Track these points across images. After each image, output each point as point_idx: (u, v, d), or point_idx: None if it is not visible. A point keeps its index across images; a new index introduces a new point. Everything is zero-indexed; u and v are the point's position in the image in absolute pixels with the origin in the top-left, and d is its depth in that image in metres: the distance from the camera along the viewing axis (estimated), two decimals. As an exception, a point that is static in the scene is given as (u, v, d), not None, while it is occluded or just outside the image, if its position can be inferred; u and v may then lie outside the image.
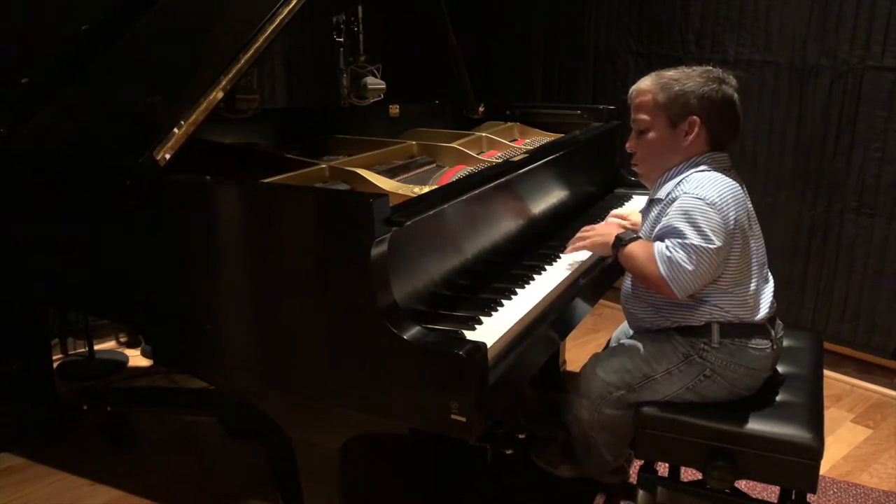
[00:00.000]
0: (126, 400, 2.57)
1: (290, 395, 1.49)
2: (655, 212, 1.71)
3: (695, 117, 1.67)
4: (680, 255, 1.57)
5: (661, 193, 1.71)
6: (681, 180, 1.67)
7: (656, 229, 1.65)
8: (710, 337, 1.67)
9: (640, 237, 1.73)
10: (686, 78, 1.68)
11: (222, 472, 2.30)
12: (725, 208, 1.59)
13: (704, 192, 1.60)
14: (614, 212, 2.20)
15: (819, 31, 2.83)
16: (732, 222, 1.60)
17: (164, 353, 1.66)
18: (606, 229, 1.82)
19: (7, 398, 2.51)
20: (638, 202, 2.51)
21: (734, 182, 1.67)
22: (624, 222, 1.97)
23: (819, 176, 2.93)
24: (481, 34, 3.93)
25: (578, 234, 1.86)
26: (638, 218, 1.93)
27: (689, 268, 1.57)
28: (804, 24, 2.87)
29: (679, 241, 1.58)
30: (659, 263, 1.59)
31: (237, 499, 2.17)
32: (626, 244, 1.70)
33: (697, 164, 1.69)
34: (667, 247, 1.60)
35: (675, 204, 1.62)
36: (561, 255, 1.90)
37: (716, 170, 1.68)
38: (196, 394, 2.54)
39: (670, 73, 1.71)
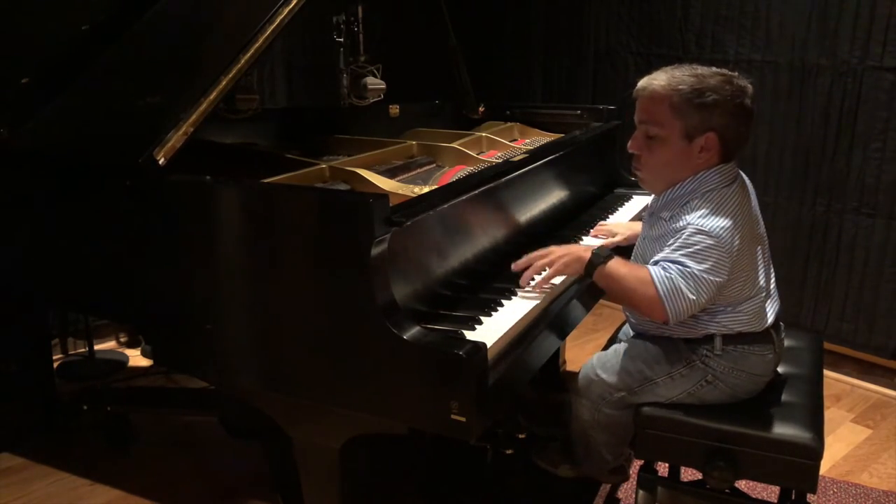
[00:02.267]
0: (126, 400, 2.57)
1: (290, 395, 1.49)
2: (657, 230, 1.66)
3: (712, 133, 1.58)
4: (682, 283, 1.53)
5: (665, 213, 1.65)
6: (686, 203, 1.61)
7: (656, 256, 1.60)
8: (712, 344, 1.66)
9: (615, 256, 1.64)
10: (707, 88, 1.56)
11: (222, 472, 2.30)
12: (729, 239, 1.55)
13: (709, 224, 1.54)
14: (599, 226, 2.16)
15: (819, 31, 2.83)
16: (735, 251, 1.56)
17: (163, 353, 1.66)
18: (571, 248, 1.72)
19: (7, 398, 2.51)
20: (636, 203, 2.51)
21: (739, 200, 1.61)
22: (601, 240, 1.91)
23: (819, 176, 2.93)
24: (481, 34, 3.92)
25: (534, 258, 1.69)
26: (623, 230, 1.89)
27: (692, 297, 1.54)
28: (804, 24, 2.87)
29: (682, 268, 1.54)
30: (658, 284, 1.54)
31: (237, 499, 2.17)
32: (604, 263, 1.62)
33: (705, 181, 1.62)
34: (668, 270, 1.55)
35: (680, 236, 1.56)
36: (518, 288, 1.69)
37: (722, 185, 1.62)
38: (196, 394, 2.54)
39: (689, 79, 1.57)
